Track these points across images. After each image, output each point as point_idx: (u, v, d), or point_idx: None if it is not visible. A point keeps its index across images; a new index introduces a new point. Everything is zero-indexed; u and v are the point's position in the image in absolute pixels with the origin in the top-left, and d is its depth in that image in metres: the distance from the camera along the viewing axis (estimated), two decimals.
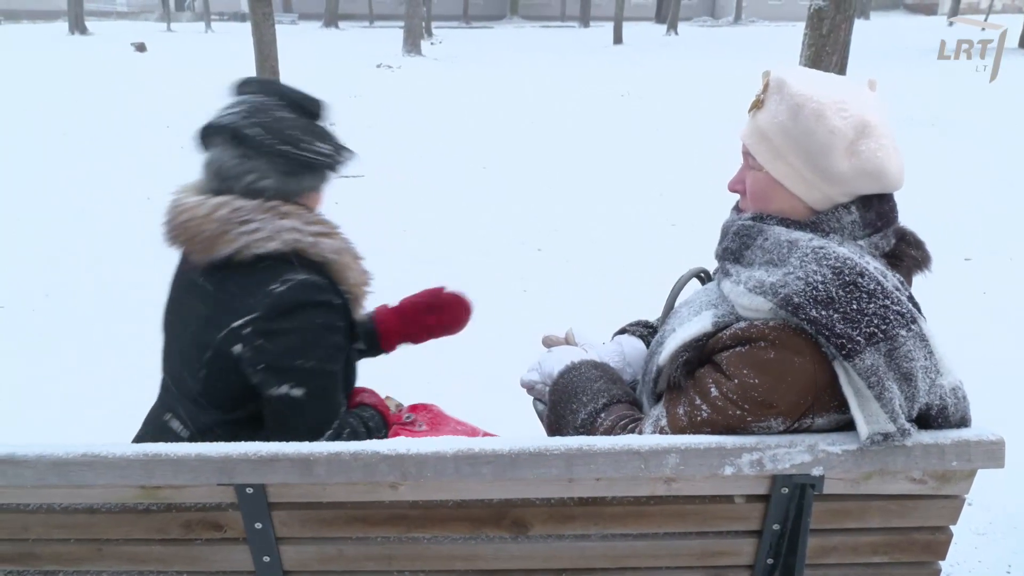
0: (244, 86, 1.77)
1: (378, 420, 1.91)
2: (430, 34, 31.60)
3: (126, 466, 1.37)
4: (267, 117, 1.67)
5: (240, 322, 1.60)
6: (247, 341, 1.61)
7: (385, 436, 1.93)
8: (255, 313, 1.60)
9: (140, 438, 1.87)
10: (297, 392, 1.62)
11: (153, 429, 1.85)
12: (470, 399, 3.56)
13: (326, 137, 1.73)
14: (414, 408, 2.12)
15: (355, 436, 1.76)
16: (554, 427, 1.71)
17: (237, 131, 1.65)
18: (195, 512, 1.46)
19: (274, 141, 1.65)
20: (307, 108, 1.74)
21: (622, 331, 2.06)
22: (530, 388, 1.90)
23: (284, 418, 1.64)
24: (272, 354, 1.61)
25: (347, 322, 1.74)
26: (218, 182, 1.69)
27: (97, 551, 1.50)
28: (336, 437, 1.70)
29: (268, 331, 1.60)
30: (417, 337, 2.17)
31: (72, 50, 24.27)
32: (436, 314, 2.14)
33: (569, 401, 1.68)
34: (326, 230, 1.73)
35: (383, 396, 2.11)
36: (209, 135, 1.71)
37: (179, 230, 1.67)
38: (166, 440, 1.76)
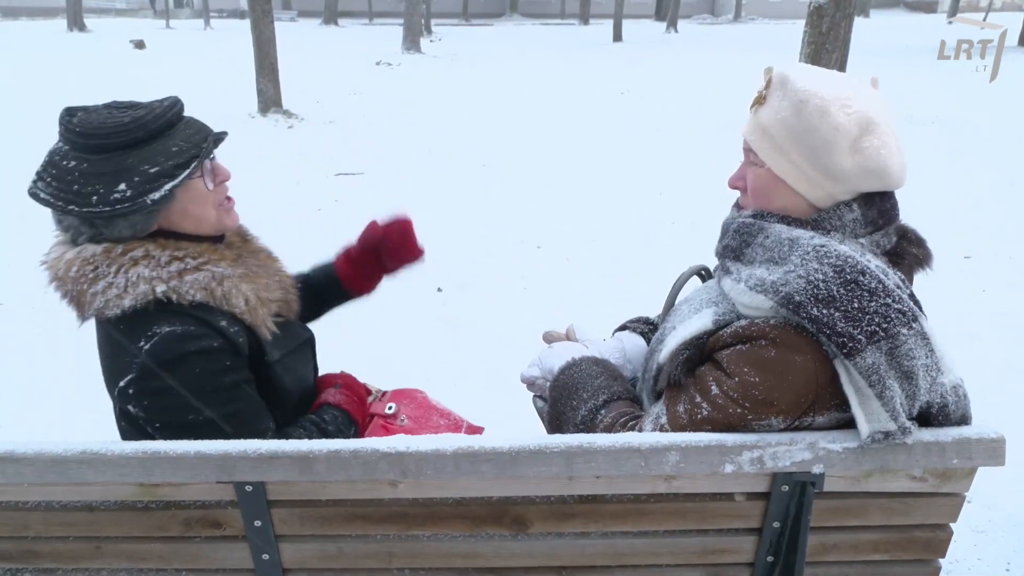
0: (64, 118, 1.56)
1: (341, 420, 1.83)
2: (430, 31, 31.58)
3: (125, 464, 1.37)
4: (54, 171, 1.53)
5: (123, 383, 1.53)
6: (134, 402, 1.54)
7: (355, 432, 1.87)
8: (131, 374, 1.52)
9: None
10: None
11: None
12: (469, 396, 3.56)
13: (123, 173, 1.51)
14: (398, 394, 2.07)
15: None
16: (554, 423, 1.71)
17: (33, 196, 1.55)
18: (194, 510, 1.45)
19: (61, 203, 1.51)
20: (96, 145, 1.51)
21: (623, 328, 2.05)
22: (530, 384, 1.90)
23: None
24: (161, 413, 1.54)
25: (240, 354, 1.62)
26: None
27: (96, 549, 1.50)
28: None
29: (148, 391, 1.52)
30: (375, 268, 2.11)
31: (71, 47, 24.25)
32: (383, 244, 2.08)
33: (569, 397, 1.67)
34: (190, 264, 1.58)
35: (364, 383, 2.07)
36: None
37: (56, 289, 1.60)
38: None
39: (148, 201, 1.53)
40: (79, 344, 4.31)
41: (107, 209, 1.51)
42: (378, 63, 20.08)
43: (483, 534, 1.48)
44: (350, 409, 1.89)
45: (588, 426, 1.61)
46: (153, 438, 1.58)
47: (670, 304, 1.85)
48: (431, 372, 3.96)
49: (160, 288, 1.53)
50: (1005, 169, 8.40)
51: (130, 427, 1.63)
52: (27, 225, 6.59)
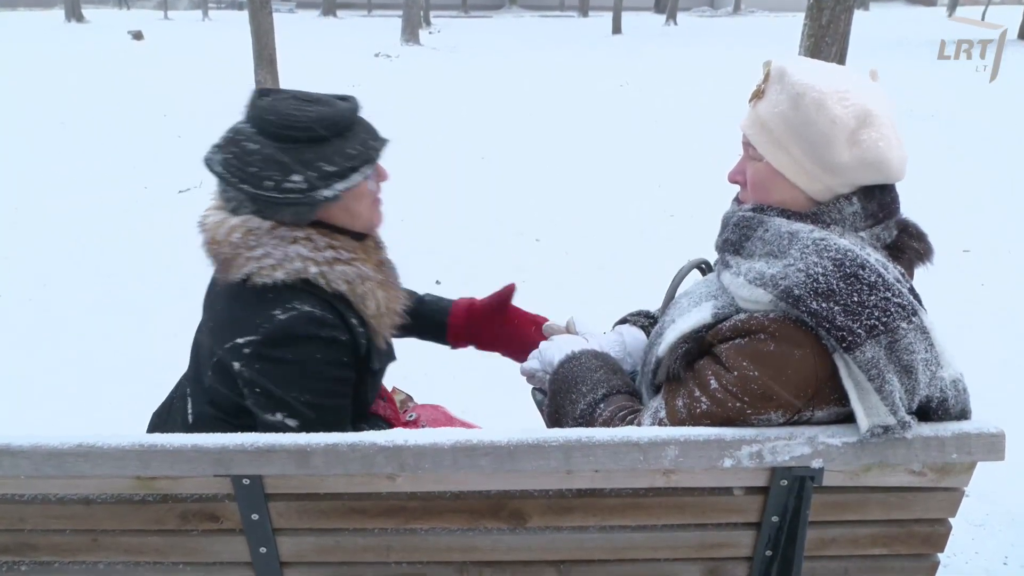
0: (254, 99, 1.65)
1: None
2: (429, 23, 31.49)
3: (122, 457, 1.36)
4: (235, 149, 1.59)
5: (241, 341, 1.57)
6: (245, 361, 1.58)
7: None
8: (255, 336, 1.56)
9: (164, 403, 1.91)
10: (291, 423, 1.58)
11: (175, 396, 1.88)
12: (469, 389, 3.57)
13: (301, 166, 1.57)
14: (420, 408, 2.12)
15: None
16: (553, 416, 1.71)
17: (208, 166, 1.61)
18: (192, 503, 1.45)
19: (235, 179, 1.58)
20: (282, 134, 1.57)
21: (623, 321, 2.05)
22: (530, 376, 1.90)
23: None
24: (268, 381, 1.58)
25: (358, 355, 1.69)
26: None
27: (93, 542, 1.49)
28: None
29: (265, 356, 1.57)
30: (481, 338, 2.13)
31: (68, 38, 24.17)
32: (501, 315, 2.10)
33: (569, 391, 1.67)
34: (341, 256, 1.65)
35: (389, 388, 2.10)
36: None
37: (205, 248, 1.65)
38: (182, 409, 1.80)
39: (319, 197, 1.59)
40: (77, 337, 4.31)
41: (278, 196, 1.57)
42: (377, 55, 20.01)
43: (481, 528, 1.48)
44: (395, 425, 1.95)
45: (587, 420, 1.61)
46: (239, 401, 1.63)
47: (670, 297, 1.85)
48: (430, 365, 3.95)
49: (313, 269, 1.60)
50: (1005, 164, 8.39)
51: (223, 381, 1.66)
52: (22, 218, 6.59)
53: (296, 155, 1.57)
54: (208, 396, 1.71)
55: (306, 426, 1.56)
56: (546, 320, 2.10)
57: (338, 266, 1.63)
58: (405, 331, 2.08)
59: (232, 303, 1.64)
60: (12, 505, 1.46)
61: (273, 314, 1.56)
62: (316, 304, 1.60)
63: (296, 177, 1.56)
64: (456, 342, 2.15)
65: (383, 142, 1.72)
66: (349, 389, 1.69)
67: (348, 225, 1.70)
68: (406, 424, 2.02)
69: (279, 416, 1.58)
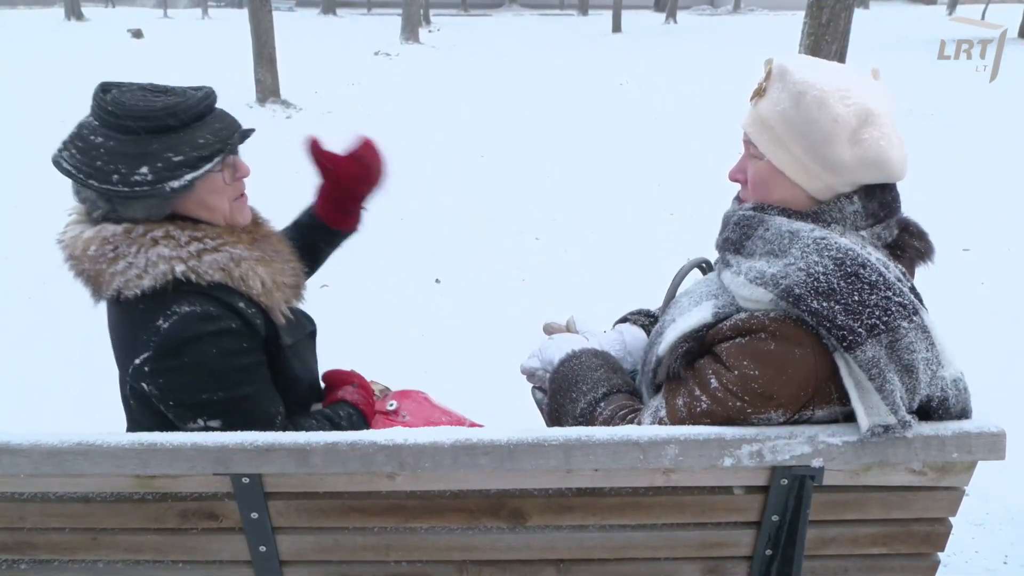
0: (98, 92, 1.59)
1: (356, 419, 1.84)
2: (428, 22, 31.46)
3: (121, 455, 1.36)
4: (80, 144, 1.53)
5: (138, 361, 1.54)
6: (149, 380, 1.55)
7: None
8: (147, 352, 1.53)
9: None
10: (214, 423, 1.56)
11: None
12: (468, 388, 3.56)
13: (148, 157, 1.51)
14: (401, 395, 2.08)
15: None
16: (554, 415, 1.71)
17: (56, 165, 1.56)
18: (191, 502, 1.45)
19: (82, 176, 1.52)
20: (125, 125, 1.51)
21: (623, 320, 2.05)
22: (530, 375, 1.90)
23: None
24: (176, 392, 1.55)
25: (258, 337, 1.64)
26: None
27: (93, 540, 1.49)
28: None
29: (164, 369, 1.53)
30: (349, 201, 2.05)
31: (68, 36, 24.14)
32: (346, 168, 2.01)
33: (569, 390, 1.67)
34: (207, 245, 1.59)
35: (368, 380, 2.08)
36: None
37: (68, 267, 1.60)
38: None
39: (167, 188, 1.53)
40: (76, 336, 4.31)
41: (126, 190, 1.51)
42: (376, 53, 19.99)
43: (481, 527, 1.48)
44: (366, 411, 1.90)
45: (587, 419, 1.60)
46: (163, 417, 1.60)
47: (670, 296, 1.85)
48: (429, 363, 3.96)
49: (180, 268, 1.54)
50: (1005, 163, 8.39)
51: (140, 406, 1.64)
52: (22, 216, 6.58)
53: (142, 146, 1.52)
54: (142, 425, 1.67)
55: (232, 423, 1.54)
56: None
57: (206, 256, 1.57)
58: (311, 258, 2.05)
59: (120, 323, 1.62)
60: (11, 503, 1.46)
61: (157, 325, 1.52)
62: (195, 301, 1.55)
63: (143, 169, 1.51)
64: (342, 224, 2.08)
65: (240, 132, 1.66)
66: (261, 372, 1.65)
67: (207, 219, 1.65)
68: (386, 414, 1.99)
69: (200, 422, 1.56)
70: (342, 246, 2.15)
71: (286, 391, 1.73)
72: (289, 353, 1.74)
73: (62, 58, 17.72)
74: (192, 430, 1.55)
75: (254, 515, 1.44)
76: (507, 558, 1.51)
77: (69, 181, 1.57)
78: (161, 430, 1.54)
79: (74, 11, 32.05)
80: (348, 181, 2.01)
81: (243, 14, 13.94)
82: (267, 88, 11.94)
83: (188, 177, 1.55)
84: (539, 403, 1.91)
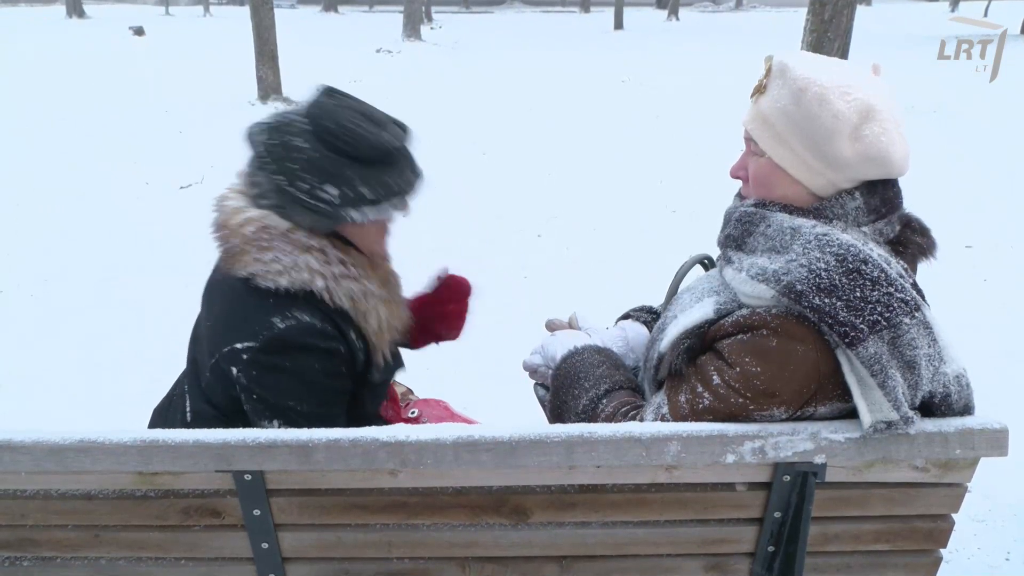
0: (320, 96, 1.63)
1: None
2: (430, 19, 31.44)
3: (123, 452, 1.36)
4: (283, 138, 1.57)
5: (240, 346, 1.57)
6: (243, 367, 1.58)
7: None
8: (253, 342, 1.56)
9: (164, 400, 1.90)
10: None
11: (175, 393, 1.88)
12: (470, 385, 3.57)
13: (340, 181, 1.55)
14: (423, 403, 2.11)
15: None
16: (556, 412, 1.70)
17: (249, 139, 1.60)
18: (193, 498, 1.45)
19: (272, 167, 1.57)
20: (334, 144, 1.56)
21: (625, 316, 2.05)
22: (532, 371, 1.90)
23: None
24: (264, 389, 1.58)
25: (355, 368, 1.69)
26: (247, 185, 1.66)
27: (95, 537, 1.49)
28: None
29: (263, 364, 1.57)
30: (426, 327, 2.11)
31: (70, 34, 24.16)
32: (437, 298, 2.10)
33: (571, 386, 1.67)
34: (350, 272, 1.64)
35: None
36: None
37: (215, 230, 1.65)
38: (181, 407, 1.79)
39: (346, 216, 1.59)
40: (78, 333, 4.32)
41: (307, 200, 1.56)
42: (378, 50, 19.99)
43: (483, 524, 1.48)
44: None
45: (589, 415, 1.60)
46: (232, 400, 1.63)
47: (672, 293, 1.85)
48: (431, 361, 3.95)
49: (320, 283, 1.59)
50: (1006, 159, 8.38)
51: (220, 381, 1.65)
52: (23, 214, 6.59)
53: (340, 168, 1.55)
54: (206, 395, 1.71)
55: None
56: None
57: (344, 282, 1.63)
58: None
59: (232, 303, 1.64)
60: (13, 501, 1.46)
61: (272, 321, 1.55)
62: (316, 316, 1.59)
63: (332, 190, 1.56)
64: (412, 342, 2.13)
65: (420, 179, 1.71)
66: (345, 399, 1.70)
67: (358, 245, 1.71)
68: (408, 421, 2.01)
69: (275, 424, 1.59)
70: None
71: (351, 422, 1.74)
72: (372, 392, 1.78)
73: (63, 56, 17.72)
74: (261, 427, 1.57)
75: (256, 512, 1.44)
76: (509, 555, 1.51)
77: (240, 162, 1.63)
78: (222, 411, 1.65)
79: (75, 9, 32.06)
80: (440, 318, 2.11)
81: (245, 12, 13.95)
82: (269, 86, 11.94)
83: (368, 214, 1.61)
84: (541, 400, 1.91)
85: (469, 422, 2.06)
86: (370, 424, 1.84)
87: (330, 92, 1.63)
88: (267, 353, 1.56)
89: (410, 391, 2.17)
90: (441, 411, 2.10)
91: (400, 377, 2.23)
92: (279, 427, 1.58)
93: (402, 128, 1.67)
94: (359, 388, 1.74)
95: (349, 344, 1.65)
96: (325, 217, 1.59)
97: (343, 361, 1.64)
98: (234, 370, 1.59)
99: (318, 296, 1.59)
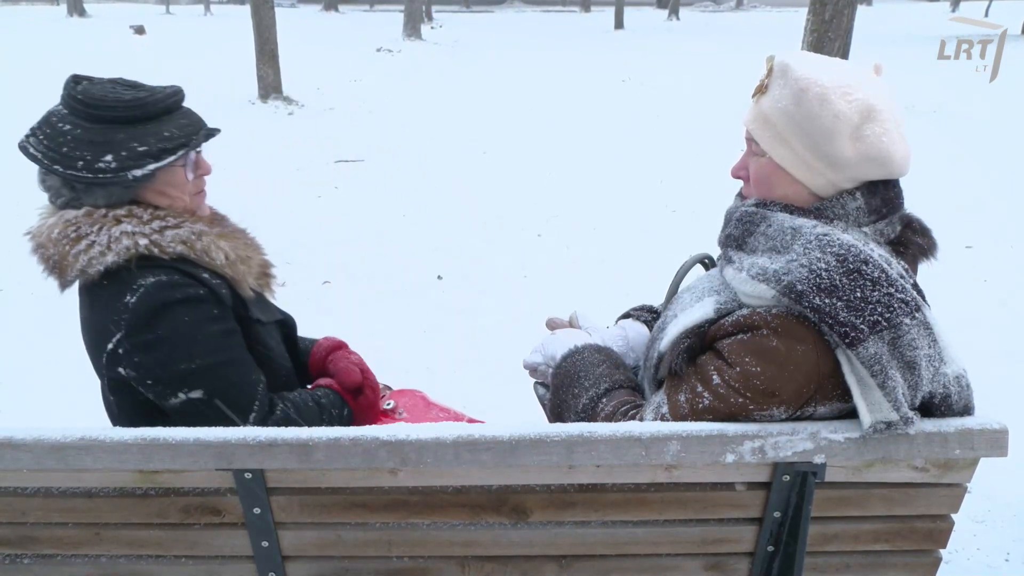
0: (69, 83, 1.63)
1: (332, 397, 1.85)
2: (430, 18, 31.43)
3: (124, 450, 1.36)
4: (48, 130, 1.58)
5: (111, 345, 1.56)
6: (125, 361, 1.56)
7: (348, 414, 1.88)
8: (119, 332, 1.55)
9: None
10: (196, 394, 1.56)
11: None
12: (470, 384, 3.56)
13: (113, 146, 1.56)
14: (398, 394, 2.09)
15: (298, 409, 1.71)
16: (556, 411, 1.71)
17: (24, 150, 1.60)
18: (193, 497, 1.45)
19: (47, 161, 1.57)
20: (94, 115, 1.56)
21: (626, 316, 2.05)
22: (533, 370, 1.90)
23: (198, 420, 1.51)
24: (153, 367, 1.56)
25: (226, 306, 1.65)
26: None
27: (95, 535, 1.50)
28: (265, 418, 1.64)
29: (138, 346, 1.55)
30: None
31: (70, 32, 24.14)
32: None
33: (571, 385, 1.67)
34: (171, 222, 1.62)
35: None
36: None
37: (36, 257, 1.64)
38: None
39: (129, 176, 1.59)
40: (78, 330, 4.29)
41: (89, 176, 1.56)
42: (378, 50, 19.98)
43: (483, 523, 1.48)
44: (339, 390, 1.89)
45: (589, 414, 1.60)
46: (147, 404, 1.61)
47: (672, 292, 1.85)
48: (432, 360, 3.96)
49: (142, 241, 1.57)
50: (1007, 159, 8.38)
51: (120, 397, 1.65)
52: (25, 210, 6.59)
53: (108, 135, 1.57)
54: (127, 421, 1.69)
55: (213, 392, 1.56)
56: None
57: (168, 231, 1.61)
58: None
59: (89, 313, 1.64)
60: (14, 498, 1.46)
61: (125, 302, 1.55)
62: (160, 272, 1.57)
63: (107, 157, 1.56)
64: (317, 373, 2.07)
65: (205, 131, 1.70)
66: (235, 340, 1.66)
67: (166, 207, 1.68)
68: (384, 412, 1.99)
69: (182, 395, 1.56)
70: None
71: (263, 368, 1.72)
72: (262, 330, 1.75)
73: (64, 55, 17.70)
74: (175, 406, 1.57)
75: (256, 510, 1.44)
76: (509, 554, 1.51)
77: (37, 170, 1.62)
78: (147, 421, 1.57)
79: (76, 7, 32.03)
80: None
81: (245, 10, 13.95)
82: (269, 84, 11.95)
83: (151, 167, 1.59)
84: (541, 399, 1.91)
85: (446, 410, 2.06)
86: (287, 373, 1.84)
87: (77, 78, 1.64)
88: (136, 333, 1.54)
89: (387, 387, 2.16)
90: (417, 400, 2.08)
91: (399, 378, 2.23)
92: (187, 396, 1.56)
93: (167, 88, 1.67)
94: (249, 329, 1.71)
95: (207, 285, 1.62)
96: (114, 186, 1.59)
97: (209, 303, 1.61)
98: (121, 371, 1.57)
99: (149, 255, 1.58)
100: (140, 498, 1.45)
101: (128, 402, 1.65)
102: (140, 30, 24.10)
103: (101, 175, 1.56)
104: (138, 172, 1.58)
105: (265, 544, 1.48)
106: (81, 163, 1.55)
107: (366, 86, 14.04)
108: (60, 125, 1.57)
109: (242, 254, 1.73)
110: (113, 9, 35.64)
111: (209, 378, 1.57)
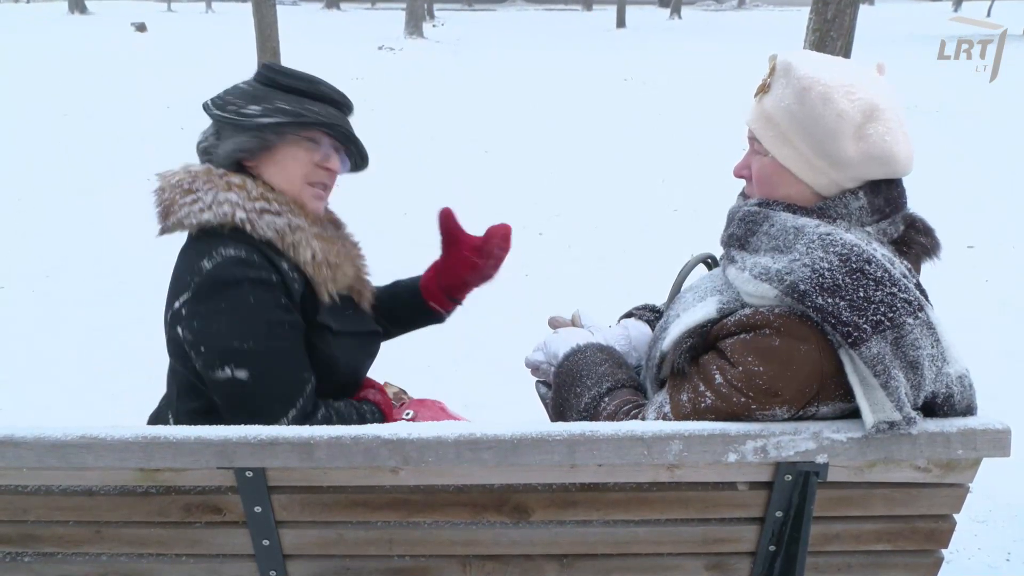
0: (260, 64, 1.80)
1: (378, 417, 1.85)
2: (432, 16, 31.44)
3: (125, 449, 1.36)
4: (230, 88, 1.72)
5: (178, 303, 1.58)
6: (184, 323, 1.57)
7: None
8: (188, 293, 1.57)
9: (155, 411, 1.89)
10: (241, 374, 1.55)
11: (163, 403, 1.86)
12: (471, 383, 3.57)
13: (265, 100, 1.67)
14: (418, 403, 2.10)
15: (341, 419, 1.71)
16: (558, 409, 1.70)
17: (205, 108, 1.72)
18: (195, 495, 1.45)
19: (213, 107, 1.69)
20: (267, 77, 1.72)
21: (628, 315, 2.04)
22: (535, 369, 1.89)
23: (235, 401, 1.57)
24: (207, 336, 1.56)
25: (293, 299, 1.66)
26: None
27: (96, 533, 1.49)
28: (306, 417, 1.62)
29: (200, 312, 1.56)
30: (458, 282, 2.13)
31: (71, 30, 24.17)
32: (466, 249, 2.11)
33: (573, 384, 1.67)
34: (272, 207, 1.66)
35: (382, 382, 2.08)
36: None
37: (156, 199, 1.70)
38: (165, 417, 1.78)
39: (256, 121, 1.66)
40: (80, 328, 4.32)
41: (232, 117, 1.67)
42: (380, 48, 19.99)
43: (484, 521, 1.48)
44: (386, 412, 1.90)
45: (591, 413, 1.60)
46: (194, 372, 1.63)
47: (675, 292, 1.85)
48: (433, 359, 3.96)
49: (240, 215, 1.62)
50: (1007, 159, 8.37)
51: (179, 358, 1.67)
52: (25, 207, 6.59)
53: (269, 94, 1.69)
54: (177, 389, 1.72)
55: (258, 377, 1.55)
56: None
57: (266, 216, 1.64)
58: (398, 323, 2.12)
59: (177, 265, 1.67)
60: (15, 496, 1.46)
61: (202, 265, 1.57)
62: (241, 248, 1.59)
63: (255, 107, 1.67)
64: (439, 302, 2.13)
65: (352, 135, 1.77)
66: (294, 334, 1.65)
67: (283, 188, 1.72)
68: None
69: (227, 371, 1.55)
70: (424, 327, 2.19)
71: (317, 372, 1.71)
72: (330, 337, 1.74)
73: (65, 52, 17.71)
74: (218, 381, 1.56)
75: (257, 509, 1.44)
76: (510, 553, 1.51)
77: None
78: (192, 390, 1.65)
79: (77, 5, 32.04)
80: (466, 267, 2.11)
81: (247, 8, 13.93)
82: None
83: (277, 119, 1.66)
84: (543, 397, 1.90)
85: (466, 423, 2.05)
86: (346, 384, 1.84)
87: (270, 64, 1.78)
88: (202, 298, 1.56)
89: (403, 391, 2.16)
90: (437, 412, 2.08)
91: (399, 376, 2.22)
92: (232, 373, 1.55)
93: (340, 91, 1.79)
94: (318, 334, 1.71)
95: (282, 275, 1.63)
96: (244, 130, 1.67)
97: (278, 291, 1.62)
98: (179, 331, 1.59)
99: (241, 227, 1.62)
100: (141, 496, 1.45)
101: (180, 365, 1.67)
102: (141, 28, 24.11)
103: (242, 118, 1.66)
104: (265, 120, 1.66)
105: (266, 543, 1.48)
106: (232, 107, 1.67)
107: (368, 84, 14.04)
108: (241, 85, 1.73)
109: (333, 260, 1.74)
110: (114, 7, 35.61)
111: (258, 362, 1.56)
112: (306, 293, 1.69)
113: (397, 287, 2.15)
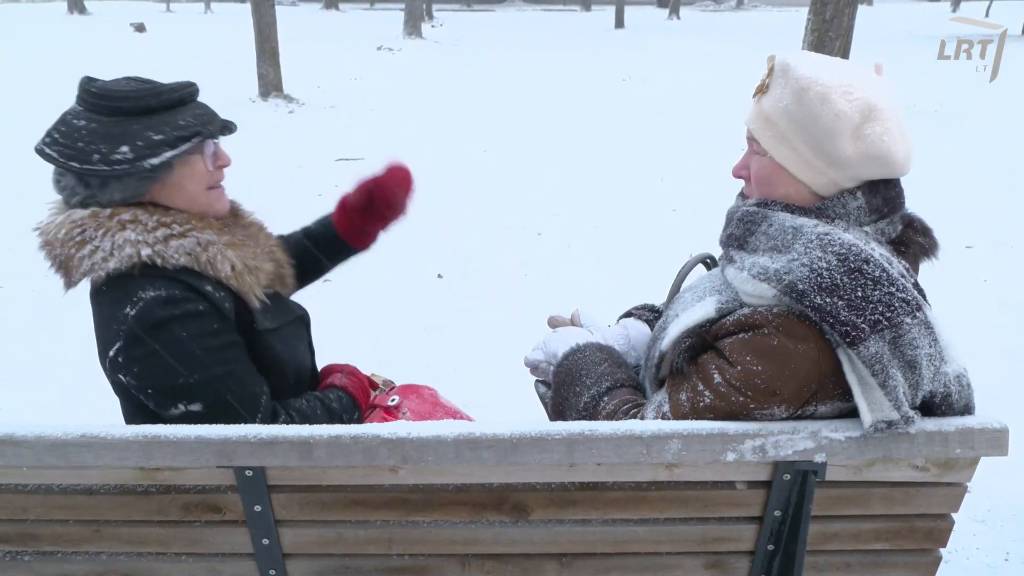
0: (83, 83, 1.62)
1: (346, 402, 1.85)
2: (431, 16, 31.43)
3: (125, 448, 1.36)
4: (64, 128, 1.56)
5: (112, 352, 1.55)
6: (124, 370, 1.55)
7: (358, 418, 1.88)
8: (119, 342, 1.53)
9: None
10: (195, 407, 1.55)
11: None
12: (470, 382, 3.56)
13: (132, 136, 1.55)
14: (408, 389, 2.08)
15: (304, 419, 1.70)
16: (557, 409, 1.71)
17: (40, 152, 1.59)
18: (194, 494, 1.45)
19: (63, 159, 1.55)
20: (109, 107, 1.56)
21: (627, 314, 2.05)
22: (534, 368, 1.90)
23: None
24: (151, 379, 1.55)
25: (228, 320, 1.62)
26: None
27: (96, 532, 1.50)
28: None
29: (136, 358, 1.53)
30: (370, 222, 2.11)
31: (70, 30, 24.14)
32: (375, 194, 2.08)
33: (573, 383, 1.67)
34: (176, 231, 1.59)
35: (369, 373, 2.08)
36: None
37: (46, 256, 1.61)
38: None
39: (146, 166, 1.56)
40: (79, 327, 4.30)
41: (105, 168, 1.54)
42: (379, 48, 19.98)
43: (483, 520, 1.48)
44: (356, 394, 1.89)
45: (590, 413, 1.60)
46: (147, 407, 1.60)
47: (674, 292, 1.85)
48: (432, 358, 3.96)
49: (145, 251, 1.55)
50: (1007, 159, 8.37)
51: (124, 400, 1.65)
52: (25, 206, 6.59)
53: (123, 127, 1.55)
54: (148, 417, 1.67)
55: (212, 405, 1.55)
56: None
57: (172, 241, 1.57)
58: (314, 265, 2.10)
59: (95, 317, 1.62)
60: (15, 495, 1.46)
61: (125, 313, 1.52)
62: (160, 285, 1.55)
63: (124, 148, 1.54)
64: (355, 241, 2.12)
65: (223, 122, 1.69)
66: (236, 354, 1.63)
67: (183, 208, 1.66)
68: (386, 408, 1.98)
69: (181, 407, 1.55)
70: (346, 262, 2.18)
71: (271, 375, 1.71)
72: (271, 338, 1.73)
73: (64, 53, 17.70)
74: (175, 417, 1.55)
75: (257, 508, 1.44)
76: (509, 552, 1.51)
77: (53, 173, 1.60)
78: (151, 421, 1.55)
79: (76, 5, 32.01)
80: (382, 201, 2.09)
81: (246, 8, 13.94)
82: (270, 83, 11.95)
83: (167, 155, 1.57)
84: (542, 397, 1.91)
85: (454, 413, 2.05)
86: (298, 374, 1.83)
87: (89, 79, 1.62)
88: (134, 345, 1.53)
89: (390, 382, 2.14)
90: (425, 399, 2.06)
91: (400, 376, 2.22)
92: (186, 408, 1.54)
93: (178, 81, 1.65)
94: (254, 339, 1.69)
95: (208, 299, 1.59)
96: (130, 177, 1.57)
97: (210, 318, 1.59)
98: (121, 378, 1.57)
99: (152, 265, 1.55)
100: (141, 495, 1.45)
101: (131, 404, 1.65)
102: (141, 28, 24.08)
103: (117, 167, 1.54)
104: (155, 161, 1.56)
105: (266, 541, 1.48)
106: (97, 156, 1.53)
107: (367, 84, 14.04)
108: (76, 122, 1.56)
109: (251, 263, 1.70)
110: (114, 7, 35.59)
111: (208, 392, 1.56)
112: (237, 308, 1.66)
113: (308, 234, 2.13)
